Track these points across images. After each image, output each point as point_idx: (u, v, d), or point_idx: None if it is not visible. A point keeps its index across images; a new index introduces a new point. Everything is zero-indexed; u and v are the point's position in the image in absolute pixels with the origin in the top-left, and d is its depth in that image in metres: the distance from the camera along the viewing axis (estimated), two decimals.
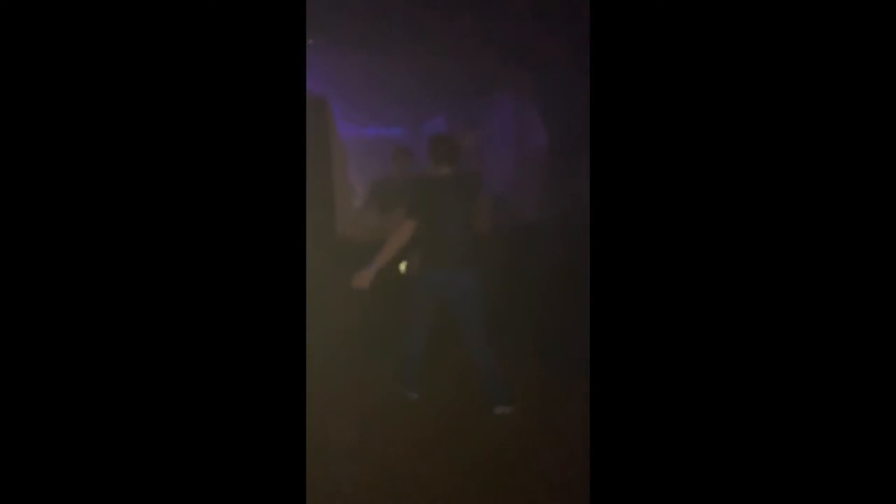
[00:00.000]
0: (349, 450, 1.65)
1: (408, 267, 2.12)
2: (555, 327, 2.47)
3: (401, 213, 1.90)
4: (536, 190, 3.70)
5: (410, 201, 1.86)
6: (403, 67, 3.38)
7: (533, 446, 1.75)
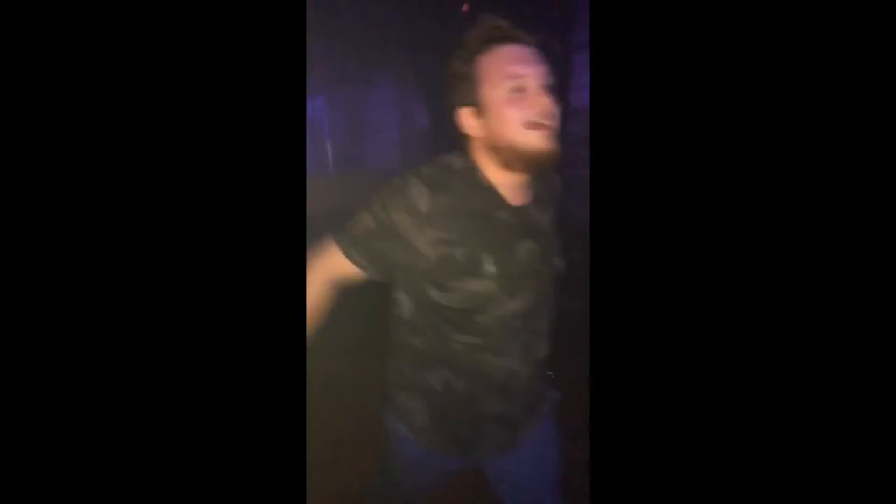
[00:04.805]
0: (349, 450, 1.64)
1: None
2: None
3: None
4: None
5: None
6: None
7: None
